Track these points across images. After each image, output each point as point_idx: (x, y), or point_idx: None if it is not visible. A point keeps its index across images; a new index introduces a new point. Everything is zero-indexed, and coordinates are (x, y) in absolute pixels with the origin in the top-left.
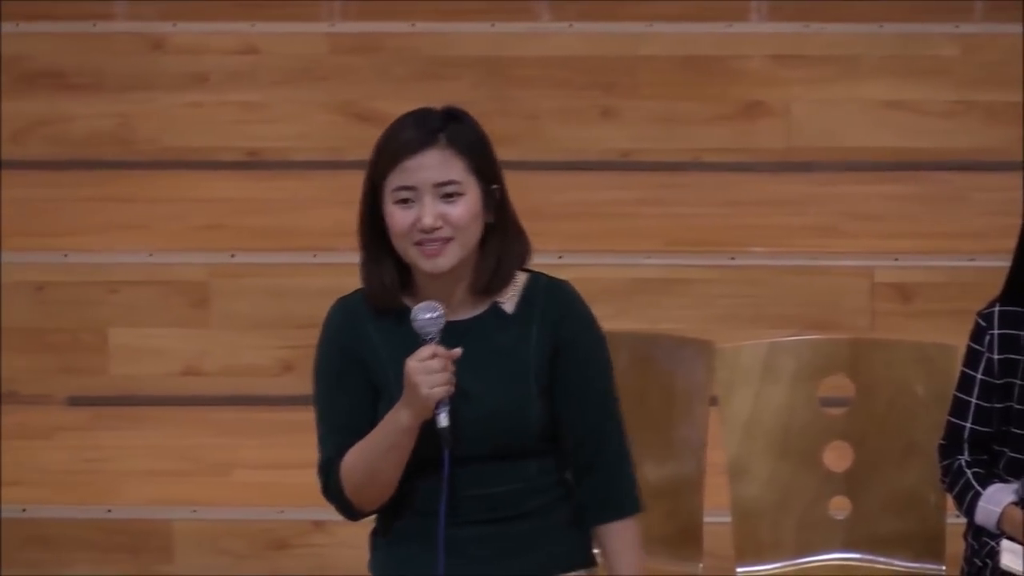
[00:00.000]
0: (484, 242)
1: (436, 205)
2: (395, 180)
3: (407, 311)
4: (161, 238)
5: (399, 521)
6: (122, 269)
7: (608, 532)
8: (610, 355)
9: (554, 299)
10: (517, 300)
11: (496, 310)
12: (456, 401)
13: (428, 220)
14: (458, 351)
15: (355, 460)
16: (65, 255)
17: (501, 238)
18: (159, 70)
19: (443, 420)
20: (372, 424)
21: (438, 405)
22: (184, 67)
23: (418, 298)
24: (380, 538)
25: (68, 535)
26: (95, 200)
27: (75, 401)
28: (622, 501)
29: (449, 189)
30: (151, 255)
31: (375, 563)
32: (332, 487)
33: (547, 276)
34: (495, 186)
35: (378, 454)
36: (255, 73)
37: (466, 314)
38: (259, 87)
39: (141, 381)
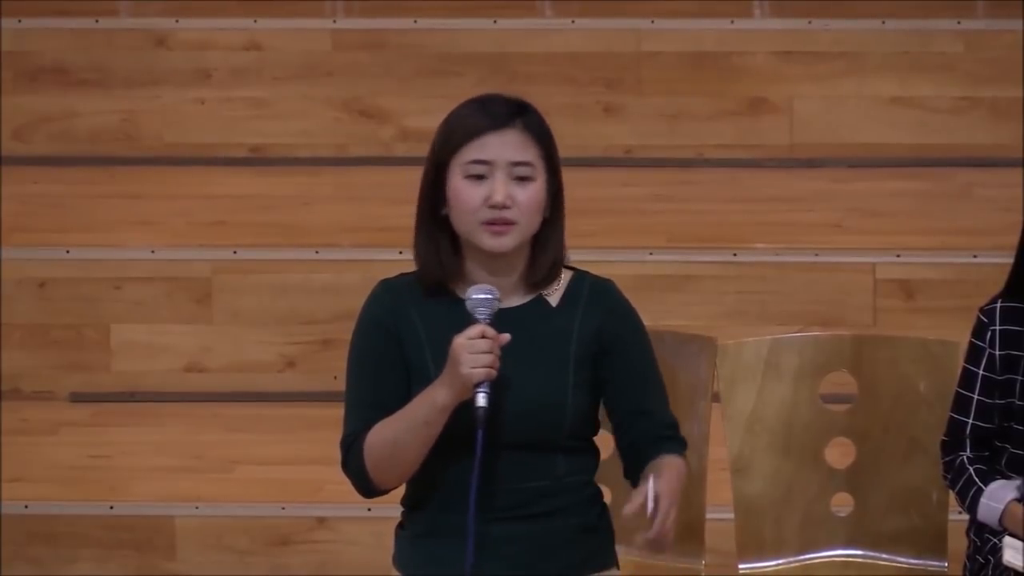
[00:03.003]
0: (539, 235)
1: (508, 185)
2: (470, 153)
3: (454, 296)
4: (165, 234)
5: (427, 515)
6: (125, 265)
7: (657, 460)
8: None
9: (599, 296)
10: (562, 294)
11: (541, 301)
12: (495, 387)
13: (499, 196)
14: (507, 336)
15: (382, 434)
16: (68, 251)
17: (556, 233)
18: (163, 66)
19: (481, 400)
20: (402, 404)
21: (477, 386)
22: (188, 63)
23: (468, 284)
24: (406, 531)
25: (71, 532)
26: (98, 196)
27: (78, 398)
28: (672, 440)
29: (523, 171)
30: (154, 251)
31: (400, 557)
32: (352, 461)
33: (592, 274)
34: (557, 178)
35: (408, 429)
36: (259, 70)
37: (511, 303)
38: (263, 84)
39: (144, 377)
